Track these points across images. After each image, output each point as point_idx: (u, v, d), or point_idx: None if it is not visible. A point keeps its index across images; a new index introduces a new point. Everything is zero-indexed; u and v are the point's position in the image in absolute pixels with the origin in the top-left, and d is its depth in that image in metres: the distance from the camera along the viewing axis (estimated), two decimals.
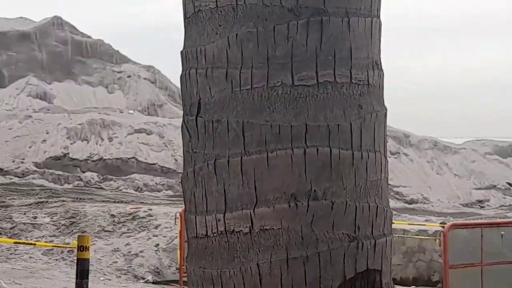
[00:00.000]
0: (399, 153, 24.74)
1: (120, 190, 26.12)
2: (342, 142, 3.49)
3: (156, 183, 26.87)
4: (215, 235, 3.54)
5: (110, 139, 28.91)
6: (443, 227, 13.24)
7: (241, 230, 3.49)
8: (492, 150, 26.43)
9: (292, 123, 3.46)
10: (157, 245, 15.27)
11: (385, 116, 3.68)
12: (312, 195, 3.44)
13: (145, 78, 42.30)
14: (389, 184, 20.39)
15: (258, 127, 3.48)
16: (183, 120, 3.73)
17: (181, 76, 3.76)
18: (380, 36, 3.69)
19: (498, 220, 15.82)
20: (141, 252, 14.93)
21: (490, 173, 25.03)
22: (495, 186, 24.69)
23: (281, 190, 3.46)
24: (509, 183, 24.86)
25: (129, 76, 42.29)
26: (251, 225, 3.47)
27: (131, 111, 36.97)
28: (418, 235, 16.40)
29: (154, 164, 27.87)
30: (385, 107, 3.70)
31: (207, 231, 3.57)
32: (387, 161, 3.68)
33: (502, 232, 11.86)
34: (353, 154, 3.51)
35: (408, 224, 17.68)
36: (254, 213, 3.47)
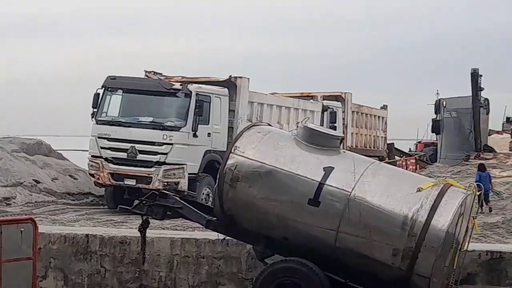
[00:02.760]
0: None
1: None
2: None
3: None
4: None
5: None
6: None
7: None
8: (19, 148, 26.58)
9: None
10: None
11: None
12: None
13: None
14: None
15: None
16: None
17: None
18: None
19: (18, 217, 15.92)
20: None
21: (17, 170, 25.12)
22: (21, 183, 24.81)
23: None
24: (35, 180, 25.11)
25: None
26: None
27: None
28: None
29: None
30: None
31: None
32: None
33: (22, 229, 12.01)
34: None
35: None
36: None
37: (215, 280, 14.55)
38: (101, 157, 22.79)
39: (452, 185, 12.53)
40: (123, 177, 22.51)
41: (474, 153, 52.77)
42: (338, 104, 33.33)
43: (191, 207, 13.55)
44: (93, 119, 23.31)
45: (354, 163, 12.79)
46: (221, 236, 13.71)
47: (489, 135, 60.88)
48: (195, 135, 22.69)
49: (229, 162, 12.93)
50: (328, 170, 12.57)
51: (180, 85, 23.24)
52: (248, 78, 25.18)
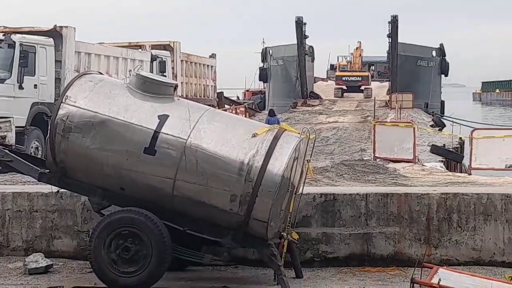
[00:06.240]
0: None
1: None
2: None
3: None
4: None
5: None
6: None
7: None
8: None
9: None
10: None
11: None
12: None
13: None
14: None
15: None
16: None
17: None
18: None
19: None
20: None
21: None
22: None
23: None
24: None
25: None
26: None
27: None
28: None
29: None
30: None
31: None
32: None
33: None
34: None
35: None
36: None
37: (50, 233, 14.20)
38: None
39: (286, 130, 12.65)
40: None
41: (301, 100, 53.96)
42: (167, 53, 33.23)
43: (22, 160, 13.10)
44: None
45: (189, 110, 12.69)
46: (55, 189, 13.34)
47: (315, 82, 62.36)
48: (20, 87, 22.00)
49: (61, 112, 12.54)
50: (163, 118, 12.42)
51: (3, 35, 22.39)
52: (74, 28, 24.62)
